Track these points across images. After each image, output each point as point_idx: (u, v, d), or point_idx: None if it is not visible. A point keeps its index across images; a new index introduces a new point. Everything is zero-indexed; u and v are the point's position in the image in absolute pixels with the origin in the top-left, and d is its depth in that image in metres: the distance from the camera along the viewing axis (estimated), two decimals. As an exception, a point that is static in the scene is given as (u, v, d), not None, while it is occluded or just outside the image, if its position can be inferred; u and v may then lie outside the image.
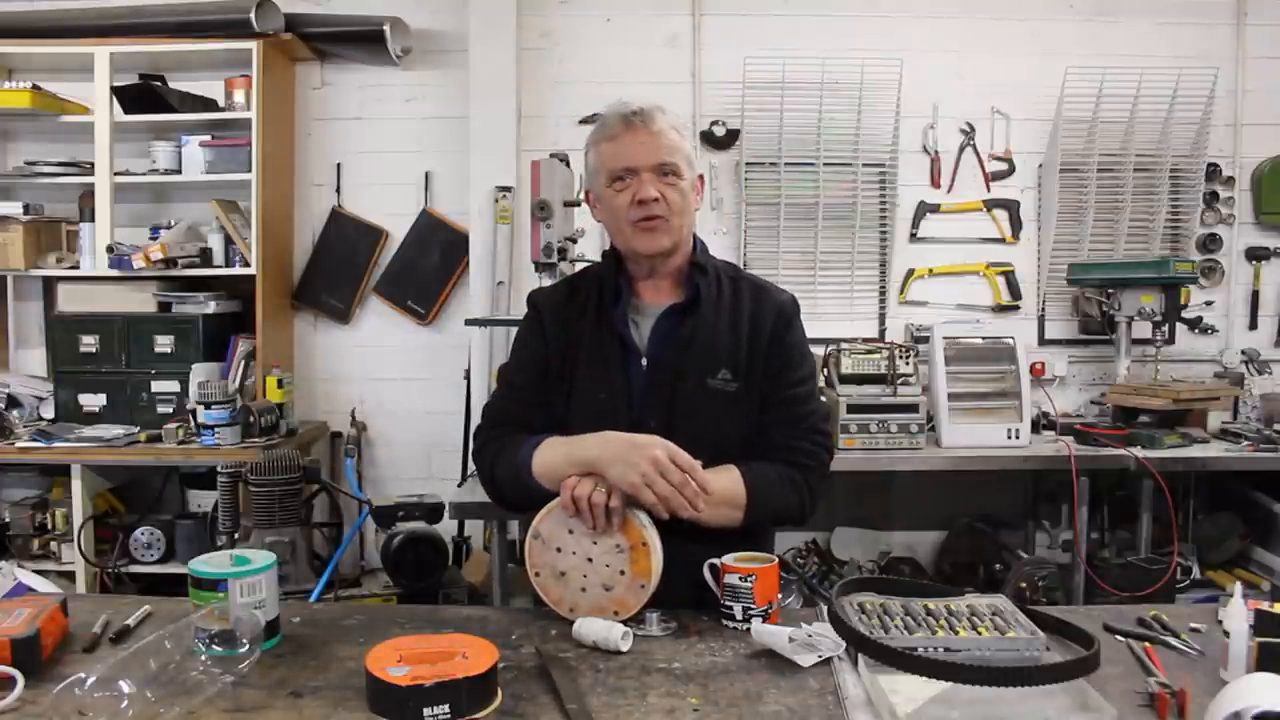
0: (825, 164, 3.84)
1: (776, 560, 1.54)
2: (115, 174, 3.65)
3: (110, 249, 3.60)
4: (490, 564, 3.20)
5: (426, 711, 1.15)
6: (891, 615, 1.43)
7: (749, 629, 1.45)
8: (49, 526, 3.54)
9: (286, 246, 3.94)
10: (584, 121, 3.85)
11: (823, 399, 1.69)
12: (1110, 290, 3.61)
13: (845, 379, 3.33)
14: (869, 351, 3.38)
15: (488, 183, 3.69)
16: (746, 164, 3.85)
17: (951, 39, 3.88)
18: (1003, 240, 3.95)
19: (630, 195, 1.62)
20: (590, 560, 1.49)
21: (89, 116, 3.65)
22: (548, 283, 3.01)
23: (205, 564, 1.43)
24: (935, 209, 3.93)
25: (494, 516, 3.07)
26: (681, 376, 1.65)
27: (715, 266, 1.75)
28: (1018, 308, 3.94)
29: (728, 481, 1.58)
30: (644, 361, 1.67)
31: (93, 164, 3.63)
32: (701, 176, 1.73)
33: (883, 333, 3.92)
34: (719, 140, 3.88)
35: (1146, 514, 3.21)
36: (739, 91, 3.79)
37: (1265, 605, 1.35)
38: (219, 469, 3.01)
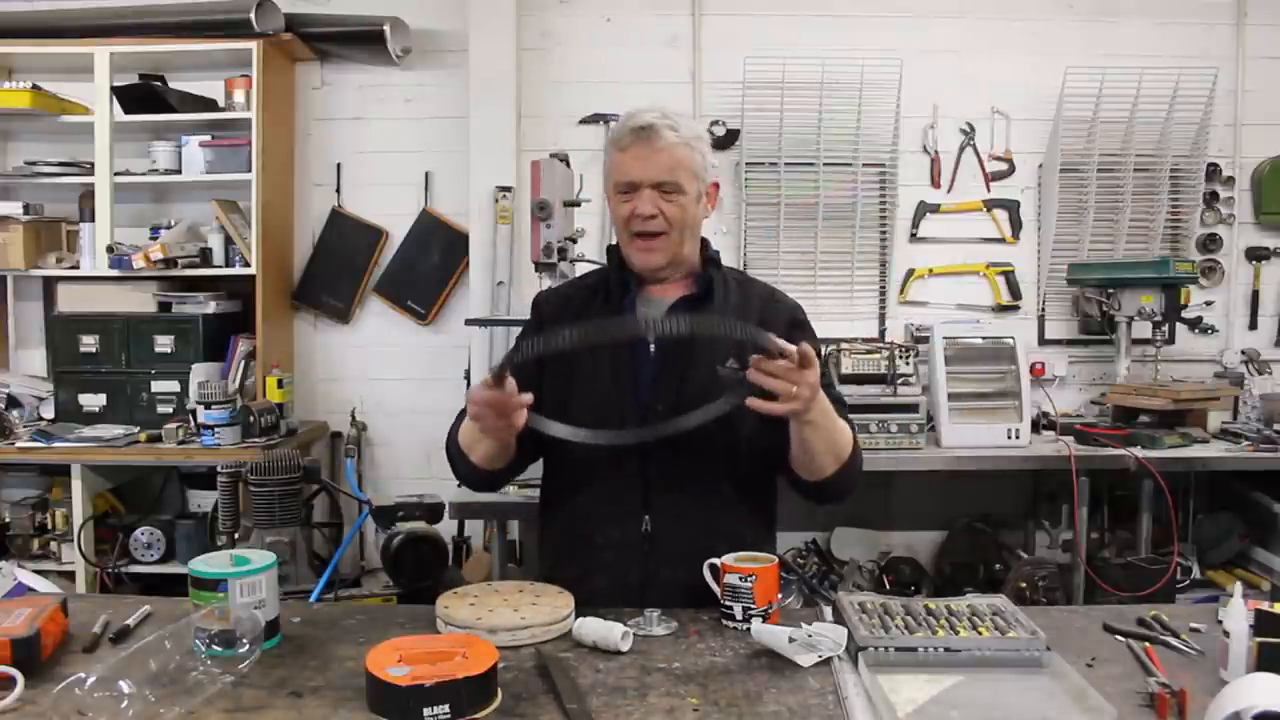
0: (825, 164, 3.83)
1: (776, 560, 1.55)
2: (115, 174, 3.64)
3: (110, 249, 3.59)
4: (490, 564, 3.21)
5: (426, 711, 1.15)
6: (892, 615, 1.43)
7: (749, 629, 1.45)
8: (49, 526, 3.53)
9: (286, 246, 3.94)
10: (584, 121, 3.86)
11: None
12: (1110, 290, 3.60)
13: (845, 379, 3.32)
14: (869, 351, 3.39)
15: (488, 183, 3.69)
16: (746, 164, 3.84)
17: (951, 39, 3.88)
18: (1003, 240, 3.95)
19: (630, 208, 1.66)
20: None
21: (89, 116, 3.65)
22: (548, 283, 3.01)
23: (205, 564, 1.43)
24: (935, 209, 3.93)
25: (494, 516, 3.08)
26: (691, 363, 1.67)
27: (725, 270, 1.80)
28: (1018, 308, 3.94)
29: (842, 436, 1.64)
30: (651, 349, 1.69)
31: (93, 164, 3.63)
32: (716, 183, 1.75)
33: (883, 333, 3.92)
34: (719, 140, 3.87)
35: (1146, 514, 3.22)
36: (739, 91, 3.79)
37: (1265, 605, 1.34)
38: (219, 469, 2.99)
